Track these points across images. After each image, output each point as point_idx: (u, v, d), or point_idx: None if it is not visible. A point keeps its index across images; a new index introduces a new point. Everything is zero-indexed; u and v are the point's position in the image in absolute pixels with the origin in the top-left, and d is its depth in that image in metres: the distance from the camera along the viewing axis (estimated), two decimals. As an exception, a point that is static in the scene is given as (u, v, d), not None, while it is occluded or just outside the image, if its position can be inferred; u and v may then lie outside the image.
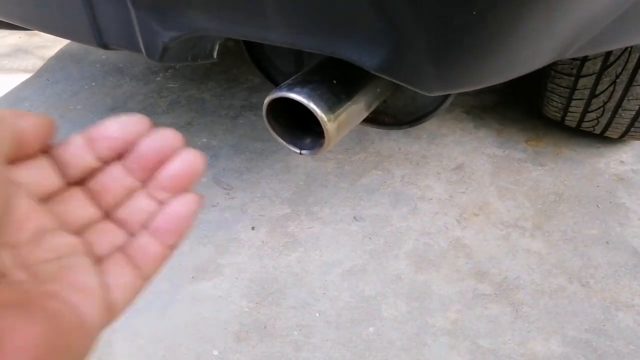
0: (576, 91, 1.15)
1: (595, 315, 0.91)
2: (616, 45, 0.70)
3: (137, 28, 0.54)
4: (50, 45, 1.92)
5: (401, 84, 0.50)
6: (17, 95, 1.60)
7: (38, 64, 1.80)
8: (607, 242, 1.05)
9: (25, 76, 1.72)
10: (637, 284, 0.97)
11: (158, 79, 1.67)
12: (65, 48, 1.90)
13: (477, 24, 0.42)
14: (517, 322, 0.90)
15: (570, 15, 0.51)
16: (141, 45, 0.55)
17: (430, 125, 1.41)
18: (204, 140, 1.38)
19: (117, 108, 1.52)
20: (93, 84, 1.66)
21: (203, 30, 0.50)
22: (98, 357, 0.85)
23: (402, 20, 0.42)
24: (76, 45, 1.91)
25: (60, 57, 1.84)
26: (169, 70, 1.71)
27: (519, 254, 1.02)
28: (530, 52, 0.52)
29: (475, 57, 0.47)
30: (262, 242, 1.07)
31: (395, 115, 0.74)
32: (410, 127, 0.74)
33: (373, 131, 1.38)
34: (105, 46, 0.60)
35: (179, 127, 1.42)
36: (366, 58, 0.46)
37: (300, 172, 1.26)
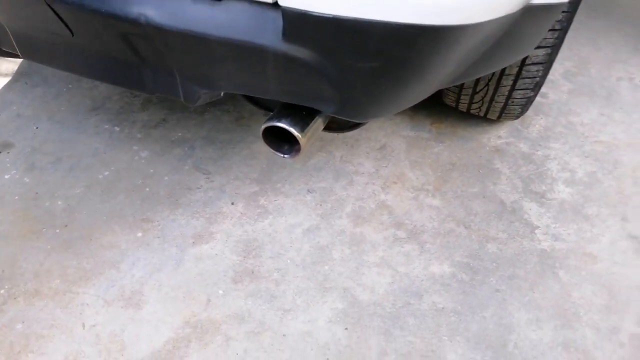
0: (464, 89, 1.58)
1: (473, 247, 1.37)
2: (482, 74, 1.12)
3: (180, 87, 0.87)
4: (16, 48, 2.10)
5: (347, 119, 0.88)
6: (2, 99, 1.81)
7: (11, 67, 1.99)
8: (483, 197, 1.51)
9: (3, 80, 1.91)
10: (501, 224, 1.43)
11: (128, 79, 1.93)
12: (33, 51, 2.09)
13: (387, 92, 0.81)
14: (422, 255, 1.34)
15: (444, 70, 0.91)
16: (181, 96, 0.89)
17: (359, 114, 1.81)
18: (179, 134, 1.69)
19: (98, 108, 1.79)
20: (70, 86, 1.90)
21: (228, 91, 0.85)
22: (136, 302, 1.19)
23: (345, 91, 0.79)
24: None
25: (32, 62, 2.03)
26: (136, 71, 1.97)
27: (424, 209, 1.46)
28: (420, 93, 0.92)
29: (389, 104, 0.86)
30: (241, 213, 1.43)
31: (339, 125, 1.12)
32: (349, 131, 1.12)
33: (316, 121, 1.76)
34: (152, 94, 0.92)
35: (156, 122, 1.72)
36: (326, 108, 0.83)
37: (262, 157, 1.61)
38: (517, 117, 1.69)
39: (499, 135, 1.74)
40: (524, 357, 1.15)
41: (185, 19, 0.74)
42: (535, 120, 1.81)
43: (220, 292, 1.23)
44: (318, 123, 0.99)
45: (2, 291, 1.20)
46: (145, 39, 0.80)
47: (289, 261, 1.30)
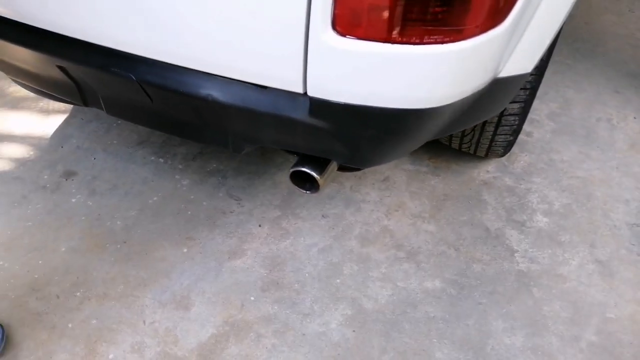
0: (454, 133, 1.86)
1: (461, 266, 1.64)
2: (464, 128, 1.40)
3: (230, 141, 1.17)
4: (72, 86, 2.43)
5: (354, 167, 1.17)
6: (63, 133, 2.13)
7: (68, 105, 2.31)
8: (472, 224, 1.78)
9: (62, 116, 2.23)
10: (486, 248, 1.70)
11: (169, 116, 2.25)
12: (87, 90, 2.42)
13: (384, 150, 1.10)
14: (418, 272, 1.61)
15: (428, 132, 1.19)
16: (231, 148, 1.19)
17: (367, 149, 2.10)
18: (214, 165, 1.99)
19: (144, 142, 2.10)
20: (118, 122, 2.21)
21: (266, 145, 1.15)
22: (185, 305, 1.48)
23: (353, 149, 1.09)
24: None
25: (86, 99, 2.36)
26: (175, 109, 2.29)
27: (420, 233, 1.74)
28: (410, 149, 1.21)
29: (385, 157, 1.15)
30: (267, 234, 1.72)
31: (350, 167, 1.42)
32: (357, 171, 1.42)
33: (330, 155, 2.05)
34: (207, 145, 1.22)
35: (194, 155, 2.02)
36: (339, 159, 1.13)
37: (283, 187, 1.91)
38: (502, 155, 1.97)
39: (487, 170, 2.01)
40: (498, 357, 1.42)
41: (240, 98, 1.05)
42: (520, 157, 2.08)
43: (252, 298, 1.51)
44: (333, 166, 1.28)
45: (78, 294, 1.50)
46: (208, 109, 1.10)
47: (307, 275, 1.58)
